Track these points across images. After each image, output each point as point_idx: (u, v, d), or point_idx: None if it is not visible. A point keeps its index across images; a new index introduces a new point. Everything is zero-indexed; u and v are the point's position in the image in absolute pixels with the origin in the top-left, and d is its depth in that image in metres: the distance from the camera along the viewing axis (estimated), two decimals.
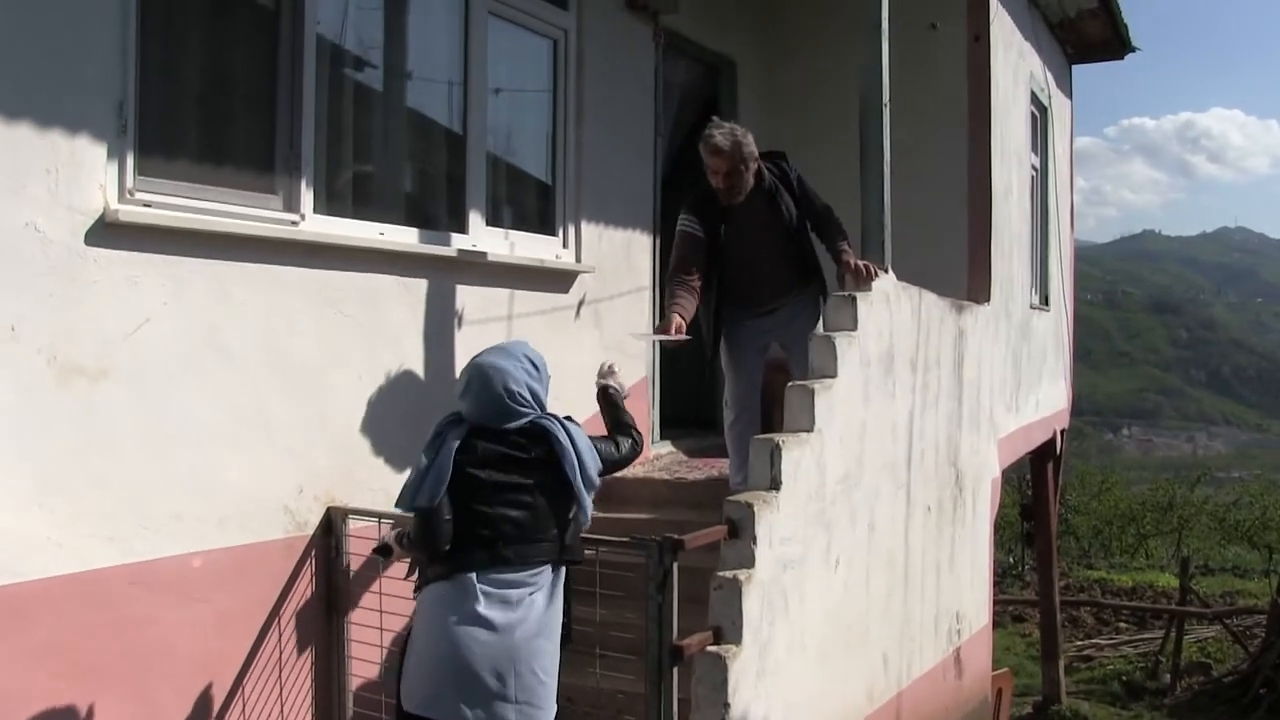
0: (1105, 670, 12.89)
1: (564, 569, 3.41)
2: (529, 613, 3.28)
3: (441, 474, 3.26)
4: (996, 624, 14.45)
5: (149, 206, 3.70)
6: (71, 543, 3.46)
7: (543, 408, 3.45)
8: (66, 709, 3.45)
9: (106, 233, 3.55)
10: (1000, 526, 18.42)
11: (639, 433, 3.81)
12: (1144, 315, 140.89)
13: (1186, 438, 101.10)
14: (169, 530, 3.75)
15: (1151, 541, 25.15)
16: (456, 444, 3.31)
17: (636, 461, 5.49)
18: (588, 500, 3.40)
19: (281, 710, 4.14)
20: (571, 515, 3.38)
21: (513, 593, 3.26)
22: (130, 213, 3.60)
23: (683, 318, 4.79)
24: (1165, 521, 25.26)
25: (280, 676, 4.14)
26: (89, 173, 3.51)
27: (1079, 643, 14.08)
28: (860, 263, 4.86)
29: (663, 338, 4.90)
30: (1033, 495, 11.45)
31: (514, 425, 3.37)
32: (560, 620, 3.39)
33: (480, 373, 3.40)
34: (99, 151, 3.54)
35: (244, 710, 4.01)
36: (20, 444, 3.33)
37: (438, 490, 3.26)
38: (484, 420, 3.36)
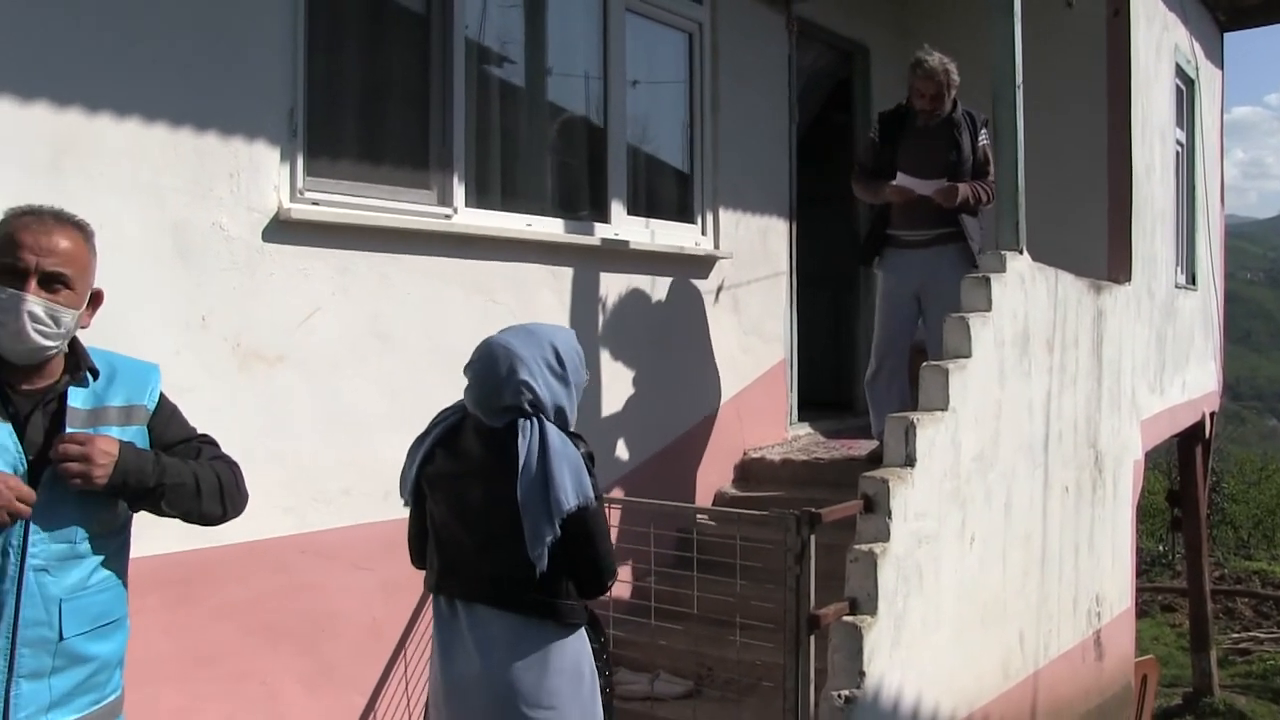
0: (1265, 665, 12.42)
1: (566, 625, 2.79)
2: (485, 668, 2.73)
3: (408, 472, 2.90)
4: (1145, 614, 14.19)
5: (317, 205, 4.01)
6: (253, 512, 3.77)
7: (554, 418, 2.79)
8: (251, 660, 3.79)
9: (281, 229, 3.87)
10: (1150, 514, 17.89)
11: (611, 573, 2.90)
12: None
13: None
14: (338, 504, 4.06)
15: None
16: (436, 437, 2.88)
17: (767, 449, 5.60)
18: (538, 530, 2.65)
19: None
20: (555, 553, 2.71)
21: (472, 635, 2.76)
22: (301, 211, 3.92)
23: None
24: None
25: None
26: (265, 175, 3.83)
27: (1235, 635, 13.63)
28: (959, 185, 5.25)
29: (912, 185, 5.31)
30: (1180, 480, 11.15)
31: (502, 424, 2.77)
32: (541, 688, 2.73)
33: (487, 350, 2.82)
34: (273, 155, 3.86)
35: (405, 671, 4.31)
36: (209, 422, 3.62)
37: (404, 487, 2.92)
38: (476, 409, 2.82)
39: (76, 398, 2.24)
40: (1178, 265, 8.69)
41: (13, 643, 2.11)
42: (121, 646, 2.33)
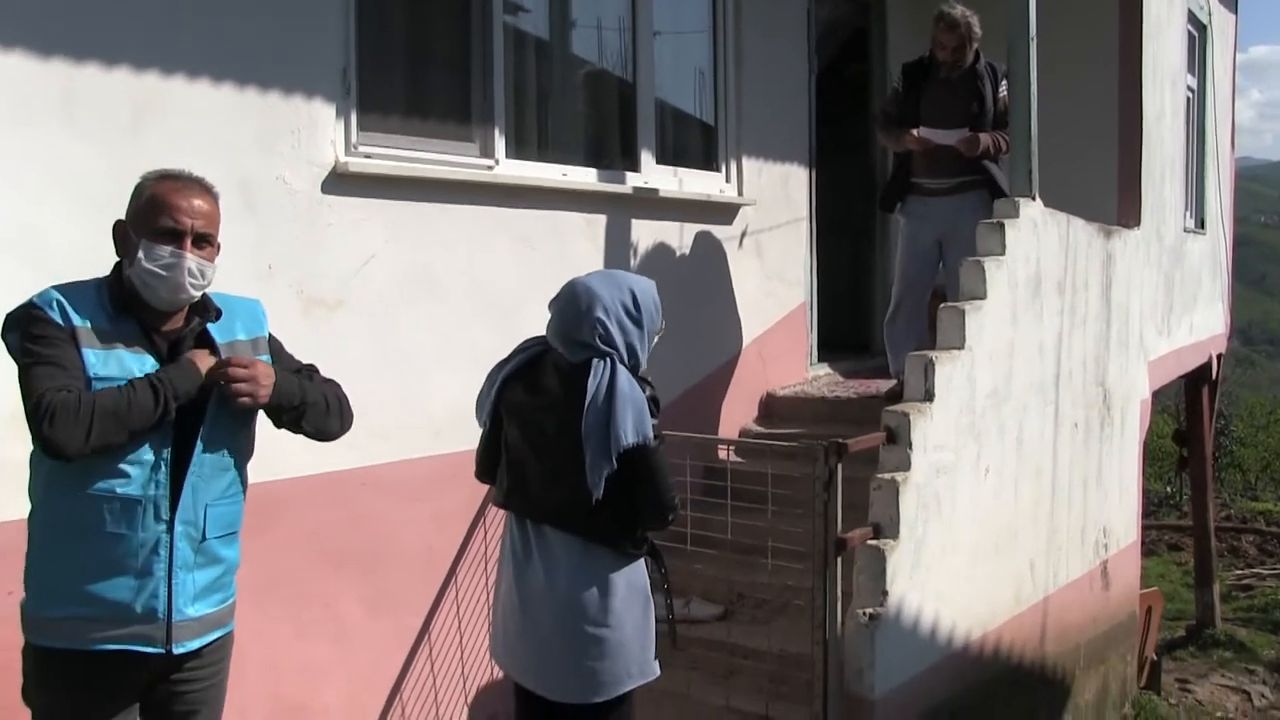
0: (1266, 599, 12.73)
1: (625, 554, 3.04)
2: (549, 583, 2.99)
3: (486, 396, 3.15)
4: (1153, 552, 14.50)
5: (369, 158, 4.24)
6: (317, 447, 4.05)
7: (626, 357, 3.02)
8: (317, 585, 4.09)
9: (337, 182, 4.11)
10: (1159, 456, 18.13)
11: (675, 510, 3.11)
12: None
13: None
14: (394, 439, 4.34)
15: None
16: (515, 366, 3.13)
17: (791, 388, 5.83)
18: (597, 462, 2.87)
19: (487, 597, 4.73)
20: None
21: (539, 552, 3.03)
22: (356, 164, 4.15)
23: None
24: None
25: (486, 569, 4.71)
26: (322, 131, 4.07)
27: (1239, 572, 13.92)
28: (981, 135, 5.47)
29: (933, 135, 5.57)
30: (1187, 421, 11.38)
31: (578, 360, 3.00)
32: (601, 608, 2.97)
33: (571, 290, 3.06)
34: (329, 112, 4.09)
35: (457, 595, 4.61)
36: None
37: (480, 409, 3.16)
38: (555, 341, 3.07)
39: (215, 333, 2.60)
40: (1187, 209, 8.88)
41: (171, 536, 2.47)
42: (238, 556, 2.67)
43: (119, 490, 2.42)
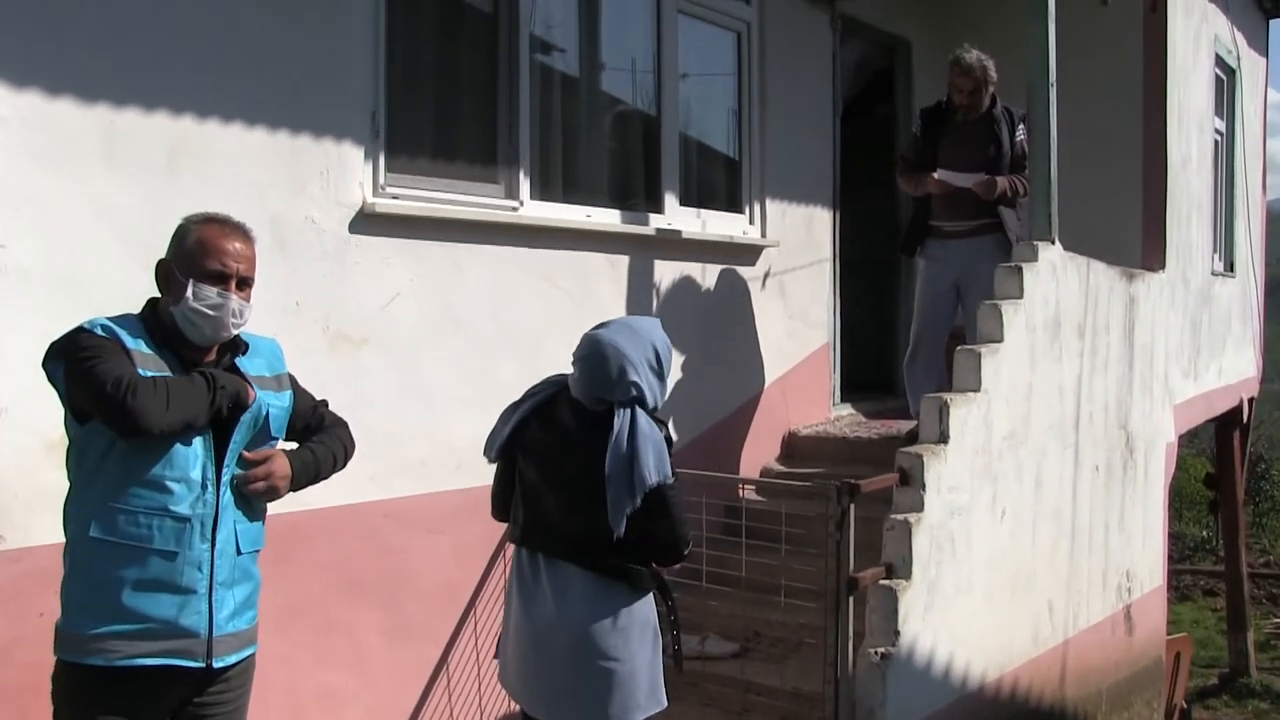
0: None
1: (637, 588, 3.12)
2: (561, 616, 3.07)
3: (499, 433, 3.22)
4: (1187, 597, 14.32)
5: (397, 199, 4.36)
6: (341, 480, 4.15)
7: (648, 403, 3.14)
8: (339, 614, 4.18)
9: (365, 222, 4.24)
10: (1194, 501, 17.90)
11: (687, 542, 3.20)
12: None
13: None
14: (416, 473, 4.43)
15: None
16: (531, 406, 3.22)
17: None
18: (620, 501, 2.98)
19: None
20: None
21: (551, 587, 3.10)
22: (383, 205, 4.28)
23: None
24: None
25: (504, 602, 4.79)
26: (351, 172, 4.20)
27: (1277, 620, 13.71)
28: (998, 179, 5.50)
29: (952, 178, 5.62)
30: (1218, 464, 11.30)
31: (601, 410, 3.10)
32: (612, 641, 3.06)
33: (598, 349, 3.12)
34: (358, 154, 4.22)
35: (475, 628, 4.67)
36: None
37: (491, 446, 3.24)
38: (582, 396, 3.15)
39: (244, 367, 2.77)
40: (1215, 252, 8.87)
41: (212, 554, 2.62)
42: (260, 575, 2.78)
43: (171, 508, 2.56)
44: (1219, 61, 8.77)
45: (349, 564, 4.22)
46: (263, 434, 2.78)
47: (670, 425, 3.33)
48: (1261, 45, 10.49)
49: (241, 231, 2.77)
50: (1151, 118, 6.89)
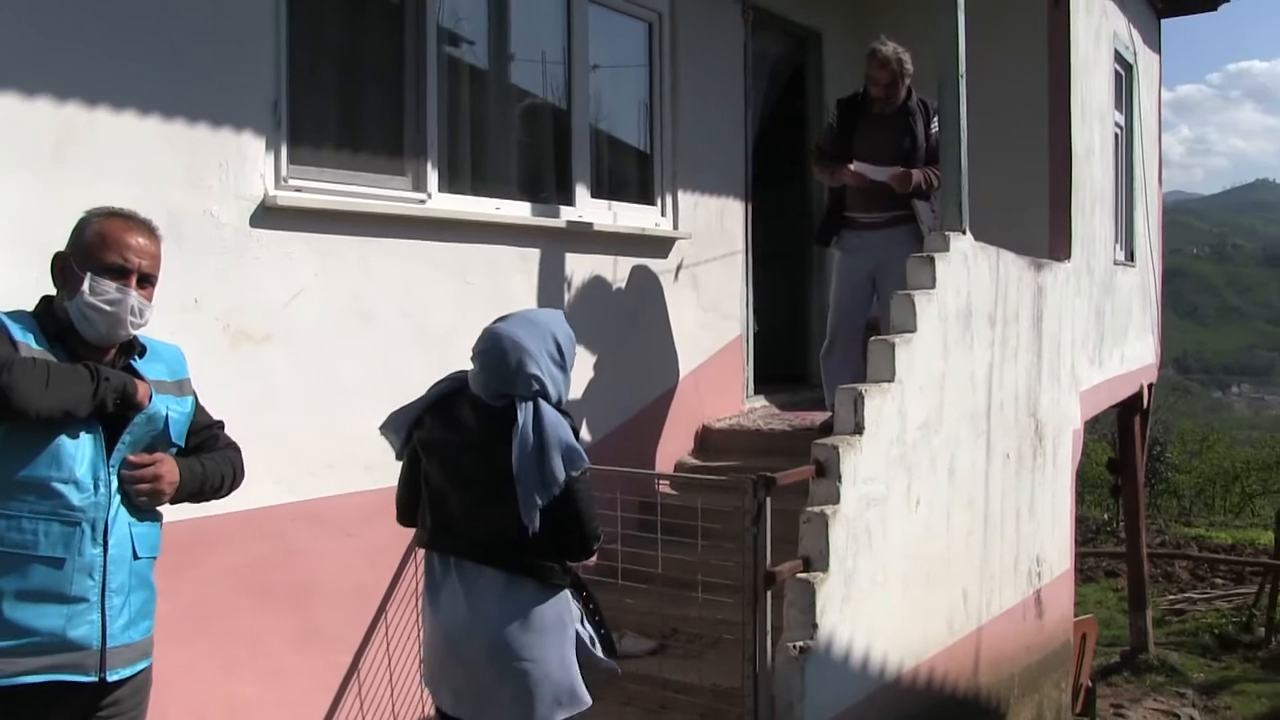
0: (1197, 623, 12.93)
1: (550, 586, 3.04)
2: (474, 617, 2.98)
3: (405, 416, 3.13)
4: (1090, 579, 14.70)
5: (300, 191, 4.22)
6: (246, 482, 4.01)
7: (551, 396, 3.04)
8: (246, 621, 4.03)
9: (266, 215, 4.09)
10: (1096, 485, 18.41)
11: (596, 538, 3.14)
12: (1256, 269, 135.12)
13: None
14: (324, 475, 4.30)
15: (1259, 501, 24.67)
16: (427, 403, 3.13)
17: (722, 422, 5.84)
18: (532, 498, 2.89)
19: (418, 634, 4.68)
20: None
21: (463, 589, 3.02)
22: (285, 197, 4.13)
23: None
24: (1274, 480, 24.80)
25: (416, 605, 4.66)
26: (251, 164, 4.05)
27: (1171, 597, 14.14)
28: (913, 171, 5.56)
29: (868, 170, 5.62)
30: (1120, 448, 11.59)
31: (502, 405, 3.00)
32: (525, 640, 2.98)
33: (496, 342, 3.02)
34: (259, 145, 4.07)
35: (387, 633, 4.56)
36: (205, 398, 3.87)
37: (393, 426, 3.13)
38: (482, 392, 3.04)
39: (141, 369, 2.63)
40: (1117, 243, 9.07)
41: (105, 559, 2.47)
42: (155, 585, 2.68)
43: (59, 511, 2.41)
44: (1118, 57, 8.96)
45: (255, 570, 4.07)
46: (162, 439, 2.65)
47: (584, 423, 3.26)
48: (1155, 43, 10.76)
49: (146, 227, 2.64)
50: (1056, 110, 7.01)
